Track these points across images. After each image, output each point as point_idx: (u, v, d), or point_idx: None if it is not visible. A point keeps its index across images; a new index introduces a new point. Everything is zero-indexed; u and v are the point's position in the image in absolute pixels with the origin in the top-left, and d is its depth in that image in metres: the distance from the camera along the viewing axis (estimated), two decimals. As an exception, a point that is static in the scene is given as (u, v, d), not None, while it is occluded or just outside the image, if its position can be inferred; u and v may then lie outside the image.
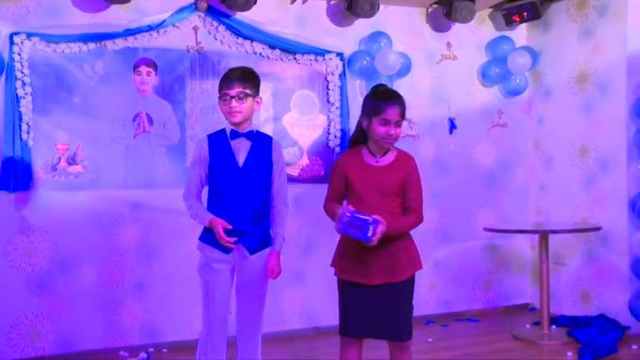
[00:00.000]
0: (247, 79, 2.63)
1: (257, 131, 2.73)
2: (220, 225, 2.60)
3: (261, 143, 2.70)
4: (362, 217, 2.39)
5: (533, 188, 5.08)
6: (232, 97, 2.60)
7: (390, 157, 2.58)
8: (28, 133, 3.79)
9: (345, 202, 2.61)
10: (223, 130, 2.70)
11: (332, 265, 2.64)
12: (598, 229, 4.25)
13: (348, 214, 2.40)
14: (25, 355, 3.81)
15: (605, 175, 4.43)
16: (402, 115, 2.53)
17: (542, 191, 5.00)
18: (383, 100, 2.52)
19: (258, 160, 2.67)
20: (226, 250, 2.65)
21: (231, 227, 2.61)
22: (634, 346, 3.92)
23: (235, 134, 2.67)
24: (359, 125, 2.62)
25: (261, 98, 2.73)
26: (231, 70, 2.69)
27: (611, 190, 4.37)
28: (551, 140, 4.91)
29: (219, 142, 2.69)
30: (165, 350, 4.04)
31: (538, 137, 5.03)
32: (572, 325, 4.36)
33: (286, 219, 2.77)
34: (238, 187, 2.64)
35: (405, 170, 2.55)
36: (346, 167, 2.59)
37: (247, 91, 2.61)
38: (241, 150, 2.66)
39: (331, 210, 2.61)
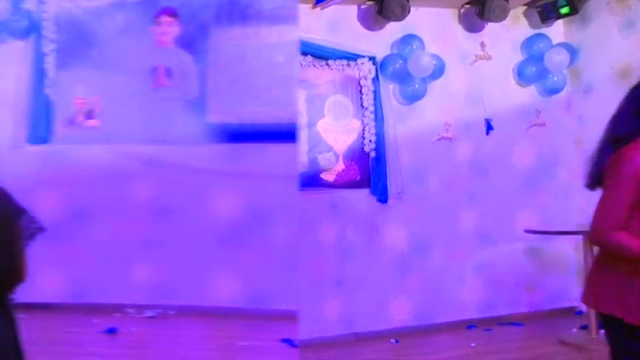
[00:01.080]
0: None
1: None
2: None
3: None
4: None
5: (576, 188, 4.92)
6: None
7: None
8: (50, 88, 3.84)
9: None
10: None
11: (622, 315, 1.91)
12: (645, 228, 4.09)
13: None
14: (36, 300, 3.71)
15: (651, 173, 4.27)
16: None
17: (586, 191, 4.84)
18: None
19: None
20: None
21: None
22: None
23: None
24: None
25: None
26: None
27: (659, 187, 4.20)
28: (593, 139, 4.63)
29: None
30: (171, 312, 3.97)
31: (579, 136, 4.88)
32: (622, 328, 4.21)
33: None
34: None
35: None
36: None
37: None
38: None
39: (630, 248, 1.87)
